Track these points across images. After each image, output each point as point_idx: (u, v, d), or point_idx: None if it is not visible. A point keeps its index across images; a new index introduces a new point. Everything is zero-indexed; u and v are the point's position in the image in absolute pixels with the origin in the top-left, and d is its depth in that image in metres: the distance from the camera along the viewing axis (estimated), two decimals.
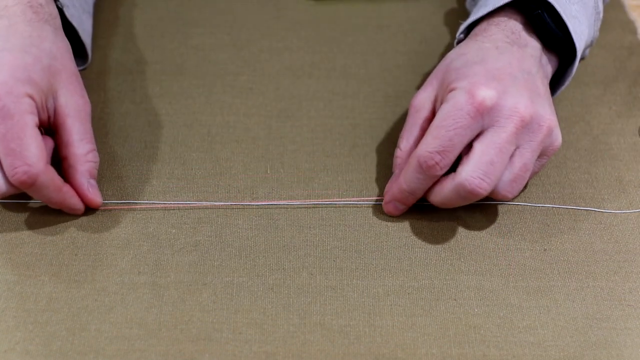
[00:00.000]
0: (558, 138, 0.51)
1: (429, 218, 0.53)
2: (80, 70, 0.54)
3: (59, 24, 0.55)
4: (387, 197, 0.53)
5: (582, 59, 0.64)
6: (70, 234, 0.51)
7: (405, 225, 0.53)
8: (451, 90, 0.50)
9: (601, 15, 0.61)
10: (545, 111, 0.50)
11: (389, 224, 0.53)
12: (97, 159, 0.52)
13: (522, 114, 0.48)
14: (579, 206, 0.54)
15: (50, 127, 0.51)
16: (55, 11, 0.55)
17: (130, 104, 0.61)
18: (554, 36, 0.54)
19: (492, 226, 0.53)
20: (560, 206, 0.54)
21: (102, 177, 0.55)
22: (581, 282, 0.50)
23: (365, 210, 0.54)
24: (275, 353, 0.45)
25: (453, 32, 0.69)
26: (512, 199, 0.52)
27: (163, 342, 0.46)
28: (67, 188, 0.50)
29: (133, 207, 0.53)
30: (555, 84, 0.57)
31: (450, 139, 0.48)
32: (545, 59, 0.54)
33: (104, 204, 0.53)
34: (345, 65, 0.65)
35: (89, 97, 0.53)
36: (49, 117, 0.50)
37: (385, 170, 0.56)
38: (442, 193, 0.50)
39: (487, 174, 0.48)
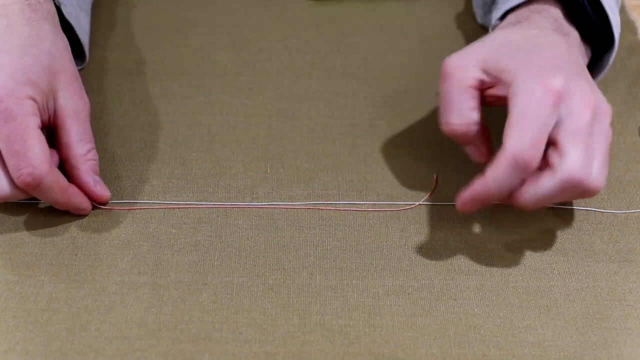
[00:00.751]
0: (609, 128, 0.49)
1: (429, 218, 0.53)
2: (78, 70, 0.54)
3: (57, 22, 0.55)
4: (467, 195, 0.48)
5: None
6: (70, 234, 0.51)
7: (405, 225, 0.53)
8: (512, 80, 0.48)
9: (619, 6, 0.60)
10: (602, 98, 0.48)
11: (389, 224, 0.53)
12: (97, 157, 0.52)
13: (593, 101, 0.47)
14: (579, 206, 0.54)
15: (50, 127, 0.51)
16: (54, 9, 0.55)
17: (130, 104, 0.61)
18: (593, 27, 0.53)
19: (492, 226, 0.53)
20: (560, 206, 0.54)
21: (102, 177, 0.55)
22: (581, 282, 0.50)
23: (366, 211, 0.54)
24: (275, 353, 0.45)
25: (453, 32, 0.69)
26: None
27: (163, 342, 0.46)
28: (72, 188, 0.50)
29: (133, 207, 0.53)
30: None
31: (539, 129, 0.46)
32: (583, 49, 0.54)
33: (106, 204, 0.53)
34: (345, 65, 0.65)
35: (89, 97, 0.53)
36: (49, 118, 0.50)
37: (385, 170, 0.56)
38: (540, 191, 0.46)
39: (587, 164, 0.46)
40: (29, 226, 0.52)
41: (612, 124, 0.48)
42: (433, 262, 0.51)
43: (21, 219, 0.52)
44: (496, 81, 0.49)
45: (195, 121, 0.60)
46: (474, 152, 0.51)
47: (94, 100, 0.60)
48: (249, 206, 0.54)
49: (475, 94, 0.49)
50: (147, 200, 0.54)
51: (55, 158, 0.51)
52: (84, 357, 0.45)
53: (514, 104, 0.47)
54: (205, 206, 0.54)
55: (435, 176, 0.55)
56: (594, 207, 0.54)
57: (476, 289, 0.49)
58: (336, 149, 0.58)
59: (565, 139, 0.46)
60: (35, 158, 0.47)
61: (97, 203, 0.52)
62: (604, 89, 0.63)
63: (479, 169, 0.56)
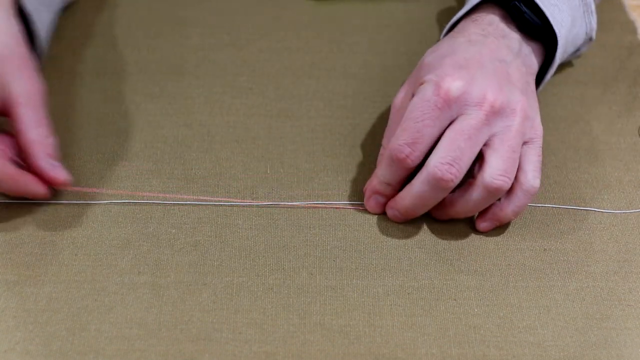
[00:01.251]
0: (538, 125, 0.51)
1: (429, 218, 0.53)
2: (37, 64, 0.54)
3: (8, 8, 0.53)
4: (367, 193, 0.53)
5: (579, 56, 0.64)
6: (70, 234, 0.51)
7: (405, 225, 0.53)
8: (421, 84, 0.50)
9: (592, 7, 0.60)
10: (514, 96, 0.50)
11: (389, 224, 0.53)
12: (53, 142, 0.51)
13: (491, 101, 0.48)
14: (579, 206, 0.54)
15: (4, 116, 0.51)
16: None
17: (130, 104, 0.61)
18: (532, 25, 0.54)
19: None
20: (560, 206, 0.54)
21: (101, 177, 0.55)
22: (581, 282, 0.50)
23: (366, 211, 0.54)
24: (275, 353, 0.45)
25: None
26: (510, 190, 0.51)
27: (163, 342, 0.46)
28: (23, 177, 0.50)
29: (116, 191, 0.53)
30: (543, 75, 0.57)
31: (418, 130, 0.48)
32: (527, 49, 0.54)
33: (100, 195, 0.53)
34: (345, 65, 0.65)
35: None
36: (3, 106, 0.50)
37: None
38: (413, 190, 0.50)
39: (455, 159, 0.47)
40: (29, 226, 0.52)
41: (530, 120, 0.50)
42: (433, 262, 0.51)
43: (21, 219, 0.52)
44: None
45: (195, 121, 0.60)
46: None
47: (94, 100, 0.60)
48: (249, 205, 0.54)
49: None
50: (147, 200, 0.54)
51: (7, 148, 0.50)
52: (84, 357, 0.45)
53: (409, 105, 0.50)
54: (204, 200, 0.54)
55: None
56: (594, 207, 0.54)
57: (476, 289, 0.49)
58: (336, 149, 0.58)
59: (445, 136, 0.49)
60: None
61: (55, 187, 0.52)
62: (604, 89, 0.63)
63: None
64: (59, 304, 0.47)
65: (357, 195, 0.55)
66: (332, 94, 0.63)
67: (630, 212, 0.54)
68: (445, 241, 0.52)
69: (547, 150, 0.58)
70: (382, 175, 0.51)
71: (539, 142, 0.51)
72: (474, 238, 0.52)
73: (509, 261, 0.51)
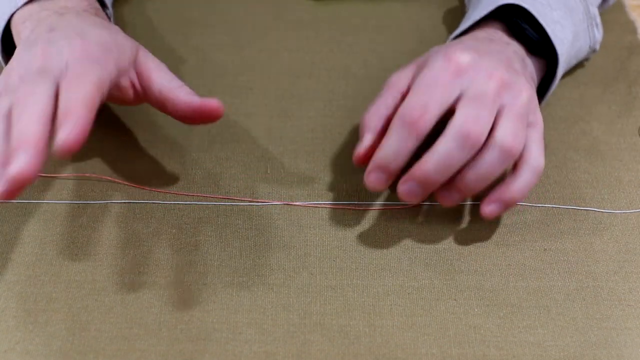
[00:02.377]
0: (540, 116, 0.50)
1: (429, 218, 0.53)
2: None
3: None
4: (369, 167, 0.49)
5: (582, 62, 0.64)
6: (70, 234, 0.51)
7: (405, 225, 0.53)
8: (427, 60, 0.50)
9: (597, 20, 0.61)
10: (521, 80, 0.49)
11: (389, 224, 0.53)
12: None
13: (500, 75, 0.48)
14: (579, 206, 0.54)
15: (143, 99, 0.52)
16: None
17: None
18: (533, 41, 0.54)
19: (492, 226, 0.53)
20: (560, 206, 0.54)
21: (100, 175, 0.55)
22: (581, 282, 0.50)
23: (365, 211, 0.54)
24: (275, 353, 0.45)
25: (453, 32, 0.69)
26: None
27: (163, 342, 0.46)
28: None
29: (117, 180, 0.53)
30: (546, 91, 0.57)
31: (431, 96, 0.47)
32: (529, 61, 0.54)
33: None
34: (345, 65, 0.65)
35: None
36: (133, 85, 0.51)
37: None
38: (439, 150, 0.47)
39: (478, 119, 0.46)
40: (29, 226, 0.52)
41: (534, 107, 0.49)
42: (433, 262, 0.51)
43: (21, 219, 0.52)
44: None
45: None
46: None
47: None
48: (249, 205, 0.54)
49: (398, 94, 0.51)
50: (148, 200, 0.54)
51: None
52: (84, 357, 0.45)
53: (418, 77, 0.49)
54: (204, 200, 0.54)
55: None
56: (594, 207, 0.54)
57: (476, 289, 0.49)
58: (336, 149, 0.58)
59: (461, 104, 0.47)
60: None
61: (213, 118, 0.50)
62: (604, 89, 0.63)
63: None
64: (59, 304, 0.47)
65: (357, 195, 0.55)
66: (332, 94, 0.63)
67: (630, 212, 0.54)
68: (445, 241, 0.52)
69: (547, 150, 0.57)
70: (388, 145, 0.48)
71: (540, 129, 0.50)
72: (474, 238, 0.52)
73: (509, 261, 0.51)
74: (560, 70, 0.56)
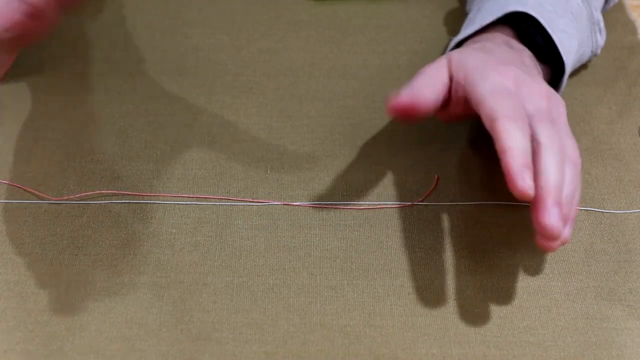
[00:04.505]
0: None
1: (429, 218, 0.53)
2: None
3: None
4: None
5: (584, 64, 0.65)
6: (70, 234, 0.51)
7: (405, 225, 0.53)
8: (471, 74, 0.49)
9: (601, 24, 0.61)
10: (556, 94, 0.50)
11: (389, 224, 0.53)
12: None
13: (545, 89, 0.49)
14: (579, 206, 0.54)
15: None
16: None
17: (130, 104, 0.61)
18: (542, 49, 0.54)
19: (493, 226, 0.53)
20: None
21: (102, 177, 0.55)
22: (581, 282, 0.50)
23: (366, 211, 0.54)
24: (275, 353, 0.45)
25: (453, 32, 0.69)
26: None
27: (163, 342, 0.46)
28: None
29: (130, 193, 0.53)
30: None
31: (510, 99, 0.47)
32: (539, 67, 0.54)
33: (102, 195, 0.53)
34: (345, 65, 0.65)
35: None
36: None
37: (385, 170, 0.56)
38: (549, 170, 0.44)
39: (555, 135, 0.46)
40: (29, 226, 0.52)
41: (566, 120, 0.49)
42: (433, 262, 0.51)
43: (21, 219, 0.52)
44: (458, 78, 0.50)
45: (195, 121, 0.60)
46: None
47: (95, 101, 0.60)
48: (249, 205, 0.54)
49: (445, 76, 0.50)
50: (148, 200, 0.54)
51: None
52: (84, 357, 0.45)
53: (479, 88, 0.47)
54: (204, 200, 0.54)
55: (436, 176, 0.55)
56: (594, 207, 0.54)
57: (476, 289, 0.49)
58: (336, 149, 0.58)
59: (533, 120, 0.46)
60: None
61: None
62: (604, 89, 0.63)
63: (478, 168, 0.56)
64: (59, 304, 0.47)
65: (357, 195, 0.55)
66: (332, 94, 0.63)
67: (630, 212, 0.54)
68: (445, 241, 0.52)
69: None
70: (553, 172, 0.44)
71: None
72: (474, 238, 0.52)
73: (509, 261, 0.51)
74: (565, 81, 0.56)
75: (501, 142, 0.44)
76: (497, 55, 0.51)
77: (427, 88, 0.49)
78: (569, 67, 0.55)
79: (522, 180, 0.42)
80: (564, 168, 0.45)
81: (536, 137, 0.45)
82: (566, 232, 0.45)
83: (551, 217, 0.42)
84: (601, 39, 0.61)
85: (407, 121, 0.51)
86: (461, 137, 0.58)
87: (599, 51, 0.62)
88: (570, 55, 0.56)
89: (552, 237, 0.43)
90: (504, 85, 0.47)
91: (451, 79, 0.50)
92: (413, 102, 0.48)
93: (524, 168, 0.43)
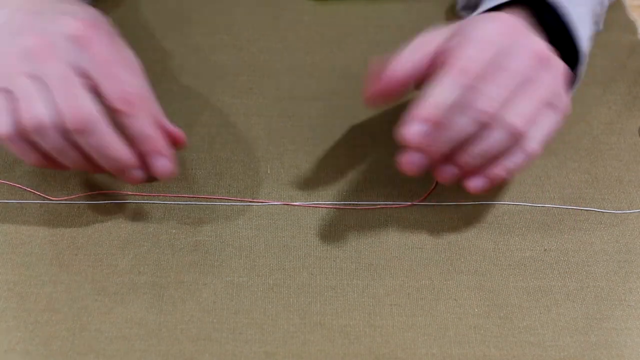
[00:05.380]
0: (567, 100, 0.49)
1: (429, 218, 0.53)
2: None
3: None
4: (411, 117, 0.46)
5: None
6: (70, 234, 0.51)
7: (405, 225, 0.53)
8: (472, 22, 0.48)
9: (605, 3, 0.60)
10: (560, 61, 0.48)
11: (389, 224, 0.53)
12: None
13: (543, 48, 0.47)
14: (579, 206, 0.54)
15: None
16: None
17: None
18: (557, 38, 0.53)
19: (492, 226, 0.53)
20: (560, 206, 0.54)
21: (102, 177, 0.55)
22: (581, 282, 0.50)
23: (365, 211, 0.54)
24: (275, 353, 0.45)
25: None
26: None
27: (163, 342, 0.46)
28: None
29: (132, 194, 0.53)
30: None
31: (483, 50, 0.46)
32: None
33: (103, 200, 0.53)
34: (345, 65, 0.65)
35: None
36: None
37: (385, 170, 0.56)
38: (454, 126, 0.45)
39: (499, 95, 0.45)
40: (29, 226, 0.52)
41: (561, 86, 0.48)
42: (433, 262, 0.51)
43: (21, 219, 0.52)
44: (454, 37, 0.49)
45: (195, 121, 0.60)
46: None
47: None
48: (249, 205, 0.54)
49: (430, 53, 0.49)
50: (148, 200, 0.54)
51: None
52: (84, 357, 0.45)
53: (466, 34, 0.47)
54: (204, 200, 0.54)
55: None
56: (594, 207, 0.54)
57: (476, 289, 0.49)
58: (336, 149, 0.58)
59: (497, 71, 0.46)
60: (132, 81, 0.46)
61: (176, 145, 0.50)
62: (604, 89, 0.63)
63: None
64: (59, 304, 0.47)
65: (357, 195, 0.55)
66: (332, 94, 0.63)
67: (630, 212, 0.54)
68: (445, 241, 0.52)
69: (547, 150, 0.58)
70: (439, 94, 0.45)
71: (560, 114, 0.49)
72: (474, 238, 0.52)
73: (509, 261, 0.51)
74: (583, 69, 0.54)
75: (427, 92, 0.46)
76: (502, 16, 0.50)
77: (403, 62, 0.49)
78: (585, 60, 0.54)
79: (409, 128, 0.46)
80: (455, 92, 0.45)
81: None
82: (472, 184, 0.48)
83: (410, 128, 0.46)
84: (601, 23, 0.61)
85: (384, 101, 0.50)
86: None
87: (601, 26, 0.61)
88: (587, 47, 0.54)
89: (407, 143, 0.46)
90: (496, 30, 0.47)
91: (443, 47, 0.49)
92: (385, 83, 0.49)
93: (419, 121, 0.45)
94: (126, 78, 0.46)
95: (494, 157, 0.47)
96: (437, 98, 0.45)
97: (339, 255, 0.51)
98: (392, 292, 0.49)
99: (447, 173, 0.48)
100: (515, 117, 0.46)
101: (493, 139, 0.46)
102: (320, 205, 0.54)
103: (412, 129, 0.46)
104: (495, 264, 0.51)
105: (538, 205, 0.54)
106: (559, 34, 0.53)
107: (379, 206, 0.54)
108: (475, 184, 0.48)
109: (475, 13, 0.56)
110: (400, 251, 0.51)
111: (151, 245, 0.51)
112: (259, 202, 0.54)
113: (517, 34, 0.47)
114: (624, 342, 0.47)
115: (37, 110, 0.44)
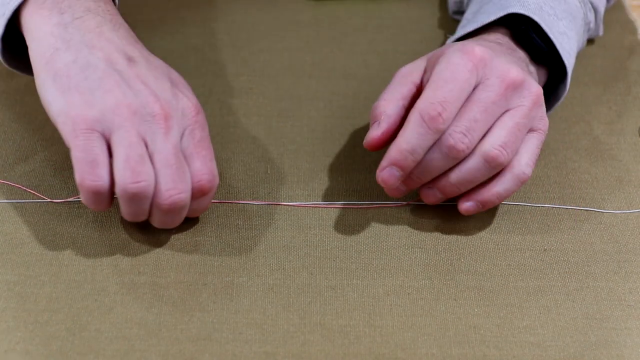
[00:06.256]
0: (546, 119, 0.50)
1: (429, 218, 0.53)
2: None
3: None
4: (383, 163, 0.48)
5: (582, 62, 0.64)
6: (70, 234, 0.51)
7: (405, 225, 0.53)
8: (440, 57, 0.49)
9: (591, 25, 0.61)
10: (532, 80, 0.49)
11: (389, 224, 0.53)
12: None
13: (513, 76, 0.48)
14: (579, 206, 0.54)
15: None
16: None
17: None
18: (540, 51, 0.54)
19: (492, 226, 0.53)
20: (560, 206, 0.54)
21: None
22: (581, 282, 0.50)
23: (366, 211, 0.54)
24: (275, 353, 0.45)
25: (453, 33, 0.69)
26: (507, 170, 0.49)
27: (163, 342, 0.46)
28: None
29: None
30: (545, 100, 0.57)
31: (450, 90, 0.47)
32: (533, 69, 0.54)
33: None
34: (345, 65, 0.65)
35: None
36: None
37: None
38: (429, 162, 0.48)
39: (469, 130, 0.47)
40: (29, 226, 0.52)
41: (542, 109, 0.50)
42: (433, 262, 0.51)
43: (21, 219, 0.52)
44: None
45: None
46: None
47: None
48: (249, 205, 0.54)
49: (413, 86, 0.51)
50: None
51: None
52: (84, 357, 0.45)
53: (434, 70, 0.48)
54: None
55: None
56: (594, 207, 0.54)
57: (476, 289, 0.49)
58: (336, 149, 0.58)
59: (464, 105, 0.47)
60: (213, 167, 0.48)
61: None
62: (604, 89, 0.63)
63: None
64: (59, 304, 0.47)
65: (357, 195, 0.55)
66: (332, 94, 0.63)
67: (630, 212, 0.54)
68: (445, 241, 0.52)
69: (547, 150, 0.58)
70: (406, 141, 0.47)
71: (543, 135, 0.50)
72: (474, 238, 0.52)
73: (509, 261, 0.51)
74: (568, 81, 0.55)
75: (399, 135, 0.48)
76: (477, 41, 0.51)
77: (395, 109, 0.50)
78: (570, 69, 0.55)
79: (382, 172, 0.49)
80: (424, 137, 0.47)
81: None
82: (464, 207, 0.50)
83: (383, 172, 0.49)
84: (585, 38, 0.61)
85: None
86: None
87: (583, 46, 0.62)
88: (571, 58, 0.55)
89: (384, 186, 0.49)
90: (462, 65, 0.47)
91: (422, 80, 0.51)
92: (386, 137, 0.50)
93: (393, 165, 0.48)
94: (211, 162, 0.48)
95: (481, 183, 0.49)
96: (403, 145, 0.47)
97: (339, 255, 0.51)
98: (392, 292, 0.49)
99: (431, 196, 0.51)
100: (489, 145, 0.47)
101: (471, 168, 0.48)
102: (320, 205, 0.54)
103: (385, 173, 0.48)
104: (495, 264, 0.51)
105: (538, 205, 0.54)
106: (542, 50, 0.54)
107: (378, 206, 0.54)
108: (466, 207, 0.50)
109: (454, 37, 0.58)
110: (400, 251, 0.51)
111: (151, 245, 0.51)
112: (259, 202, 0.54)
113: (485, 65, 0.48)
114: (624, 342, 0.47)
115: (145, 176, 0.45)
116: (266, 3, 0.71)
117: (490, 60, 0.48)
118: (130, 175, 0.44)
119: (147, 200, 0.46)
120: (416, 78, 0.51)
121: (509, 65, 0.49)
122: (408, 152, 0.47)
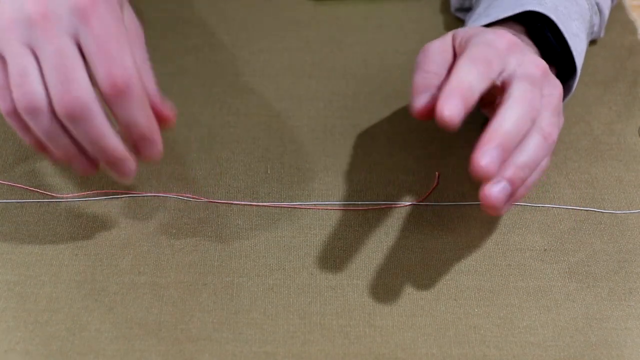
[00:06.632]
0: (562, 118, 0.50)
1: (429, 218, 0.53)
2: None
3: None
4: (445, 94, 0.42)
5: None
6: (70, 234, 0.51)
7: (405, 225, 0.53)
8: (470, 36, 0.48)
9: (595, 28, 0.61)
10: (556, 79, 0.48)
11: (389, 224, 0.53)
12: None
13: (544, 65, 0.47)
14: (579, 206, 0.54)
15: None
16: None
17: None
18: (553, 51, 0.54)
19: (492, 226, 0.53)
20: (560, 206, 0.54)
21: (102, 177, 0.55)
22: (581, 282, 0.50)
23: (365, 211, 0.54)
24: (275, 353, 0.45)
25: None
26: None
27: (163, 342, 0.46)
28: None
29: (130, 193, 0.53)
30: None
31: (492, 57, 0.45)
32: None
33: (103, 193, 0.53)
34: (345, 65, 0.65)
35: None
36: None
37: (385, 170, 0.56)
38: (510, 118, 0.43)
39: (535, 98, 0.45)
40: (29, 226, 0.52)
41: (561, 103, 0.48)
42: (433, 262, 0.51)
43: (21, 219, 0.52)
44: (460, 50, 0.48)
45: (195, 121, 0.60)
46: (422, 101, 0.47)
47: None
48: (249, 205, 0.54)
49: (450, 55, 0.49)
50: (148, 199, 0.54)
51: None
52: (84, 357, 0.45)
53: (468, 47, 0.46)
54: (205, 200, 0.54)
55: (437, 173, 0.55)
56: (594, 207, 0.54)
57: (476, 289, 0.49)
58: (336, 149, 0.58)
59: (517, 80, 0.45)
60: (126, 62, 0.42)
61: (163, 125, 0.47)
62: (604, 89, 0.63)
63: None
64: (59, 304, 0.47)
65: (357, 195, 0.55)
66: (332, 94, 0.63)
67: (630, 212, 0.54)
68: (445, 241, 0.52)
69: None
70: (465, 75, 0.43)
71: (562, 123, 0.49)
72: (474, 238, 0.52)
73: (509, 261, 0.51)
74: (575, 83, 0.55)
75: (451, 75, 0.44)
76: (502, 30, 0.50)
77: (436, 76, 0.47)
78: (579, 71, 0.55)
79: (449, 104, 0.42)
80: (524, 125, 0.44)
81: (508, 90, 0.45)
82: (516, 196, 0.45)
83: (485, 156, 0.42)
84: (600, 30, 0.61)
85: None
86: (461, 136, 0.58)
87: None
88: (581, 58, 0.55)
89: (481, 176, 0.42)
90: (497, 42, 0.46)
91: (455, 55, 0.49)
92: (431, 104, 0.46)
93: (457, 97, 0.42)
94: (121, 58, 0.42)
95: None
96: (506, 125, 0.43)
97: (339, 255, 0.51)
98: (392, 292, 0.49)
99: (499, 192, 0.44)
100: (548, 126, 0.45)
101: (536, 146, 0.45)
102: (320, 206, 0.54)
103: (487, 156, 0.42)
104: (495, 264, 0.51)
105: (538, 205, 0.54)
106: (551, 50, 0.54)
107: (379, 206, 0.54)
108: (496, 191, 0.43)
109: (471, 23, 0.57)
110: (400, 251, 0.51)
111: (151, 245, 0.51)
112: (259, 203, 0.54)
113: (520, 50, 0.47)
114: (624, 342, 0.47)
115: (29, 88, 0.41)
116: (266, 3, 0.71)
117: (522, 47, 0.47)
118: (16, 92, 0.41)
119: (44, 116, 0.42)
120: (450, 56, 0.49)
121: (534, 55, 0.48)
122: (467, 85, 0.43)
